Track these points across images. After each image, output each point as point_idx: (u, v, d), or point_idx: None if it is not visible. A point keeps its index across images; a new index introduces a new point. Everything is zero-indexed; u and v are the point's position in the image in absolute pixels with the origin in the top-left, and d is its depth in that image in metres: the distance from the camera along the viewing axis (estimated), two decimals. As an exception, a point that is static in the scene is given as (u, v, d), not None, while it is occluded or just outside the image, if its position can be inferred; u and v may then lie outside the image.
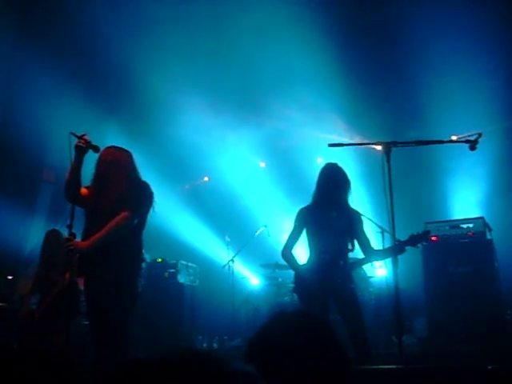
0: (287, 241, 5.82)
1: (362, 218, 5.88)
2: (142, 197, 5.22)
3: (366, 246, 5.71)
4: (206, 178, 12.97)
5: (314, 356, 1.76)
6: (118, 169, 5.23)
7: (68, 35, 10.05)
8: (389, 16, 9.75)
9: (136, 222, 5.12)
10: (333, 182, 5.68)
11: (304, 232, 5.82)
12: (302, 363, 1.70)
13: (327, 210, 5.68)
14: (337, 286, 5.52)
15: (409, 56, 9.85)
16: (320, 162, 12.02)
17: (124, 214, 5.01)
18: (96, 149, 5.13)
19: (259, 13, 9.45)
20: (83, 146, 5.06)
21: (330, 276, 5.52)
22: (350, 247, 5.71)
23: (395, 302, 4.76)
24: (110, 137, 7.09)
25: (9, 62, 10.56)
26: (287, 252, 5.78)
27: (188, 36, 9.64)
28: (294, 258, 5.79)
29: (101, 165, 5.28)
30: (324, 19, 9.27)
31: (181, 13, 9.47)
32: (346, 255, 5.70)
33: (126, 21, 9.55)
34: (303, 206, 5.87)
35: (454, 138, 8.26)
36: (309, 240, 5.80)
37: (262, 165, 12.70)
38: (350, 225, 5.69)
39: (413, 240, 5.30)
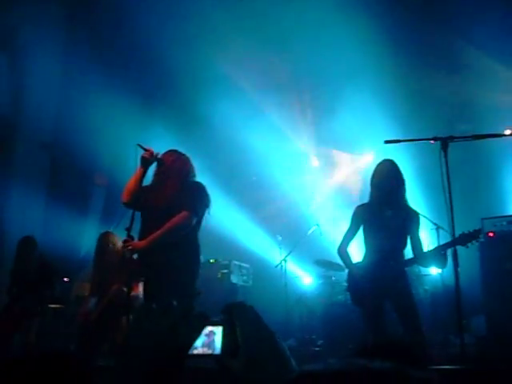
0: (343, 238, 5.86)
1: (420, 217, 5.80)
2: (199, 197, 5.32)
3: (416, 247, 5.64)
4: (254, 178, 12.97)
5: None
6: (176, 172, 5.36)
7: (119, 38, 10.15)
8: (439, 7, 9.58)
9: (195, 222, 5.19)
10: (388, 179, 5.64)
11: (361, 230, 5.81)
12: None
13: (383, 208, 5.65)
14: (390, 285, 5.47)
15: (459, 46, 9.66)
16: (371, 161, 11.98)
17: (183, 214, 5.10)
18: (160, 162, 5.30)
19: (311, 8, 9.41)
20: (148, 158, 5.22)
21: (383, 275, 5.48)
22: (404, 246, 5.66)
23: (456, 300, 4.66)
24: (162, 141, 7.13)
25: (61, 66, 10.74)
26: (343, 250, 5.82)
27: (240, 31, 9.62)
28: (348, 256, 5.82)
29: (162, 168, 5.41)
30: (373, 14, 9.16)
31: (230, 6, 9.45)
32: (400, 255, 5.65)
33: (176, 19, 9.59)
34: (359, 204, 5.90)
35: (507, 131, 8.11)
36: (364, 238, 5.79)
37: (315, 163, 12.63)
38: (405, 224, 5.62)
39: (463, 239, 5.19)
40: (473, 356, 7.03)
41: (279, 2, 9.48)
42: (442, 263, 5.40)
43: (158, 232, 5.04)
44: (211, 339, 1.46)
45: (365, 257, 5.79)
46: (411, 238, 5.65)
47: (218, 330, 1.39)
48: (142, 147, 5.27)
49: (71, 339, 7.96)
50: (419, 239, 5.69)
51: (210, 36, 9.73)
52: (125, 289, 6.64)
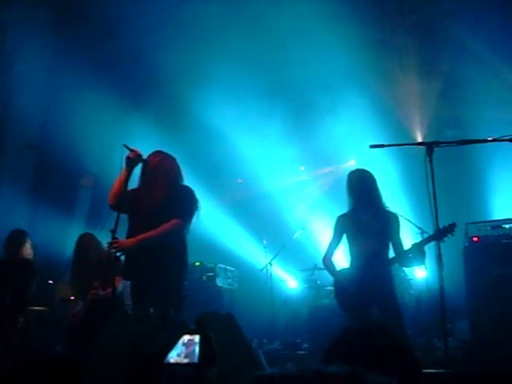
0: (327, 248, 6.06)
1: (399, 219, 5.95)
2: (190, 203, 5.31)
3: (397, 248, 5.79)
4: (239, 180, 12.96)
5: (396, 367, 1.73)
6: (163, 173, 5.34)
7: (105, 39, 10.14)
8: (426, 13, 9.65)
9: (185, 231, 5.19)
10: (362, 187, 5.83)
11: (344, 238, 5.98)
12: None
13: (361, 214, 5.81)
14: (375, 287, 5.58)
15: (446, 52, 9.73)
16: (352, 165, 12.03)
17: (177, 222, 5.09)
18: (146, 163, 5.27)
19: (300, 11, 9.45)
20: (134, 159, 5.20)
21: (367, 279, 5.61)
22: (386, 249, 5.80)
23: (440, 304, 4.70)
24: (148, 141, 7.12)
25: (47, 68, 10.72)
26: (327, 259, 6.02)
27: (228, 33, 9.63)
28: (333, 265, 6.01)
29: (147, 168, 5.39)
30: (358, 17, 9.21)
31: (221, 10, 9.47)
32: (382, 257, 5.76)
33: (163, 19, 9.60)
34: (340, 213, 6.03)
35: (490, 138, 8.18)
36: (348, 245, 5.95)
37: (302, 168, 12.66)
38: (385, 227, 5.76)
39: (439, 234, 5.30)
40: (457, 359, 7.08)
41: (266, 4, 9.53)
42: (421, 260, 5.55)
43: (149, 233, 5.03)
44: (191, 348, 1.47)
45: (350, 263, 5.92)
46: (392, 240, 5.79)
47: (196, 339, 1.40)
48: (127, 148, 5.25)
49: (56, 341, 7.92)
50: (400, 240, 5.83)
51: (199, 35, 9.74)
52: (100, 291, 6.65)
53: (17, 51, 10.27)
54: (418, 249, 5.50)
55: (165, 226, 5.05)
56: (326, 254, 6.03)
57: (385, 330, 1.89)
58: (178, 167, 5.53)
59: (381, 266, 5.68)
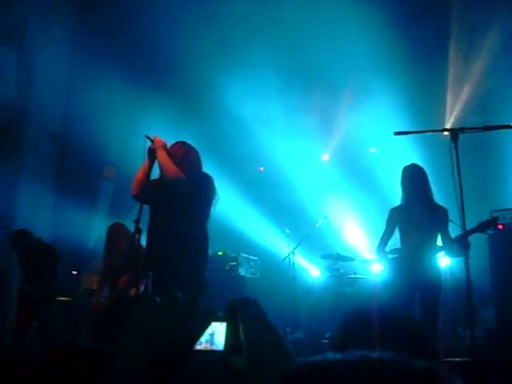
0: (381, 239, 6.45)
1: (447, 213, 6.20)
2: (204, 186, 5.30)
3: (445, 239, 6.10)
4: (261, 169, 12.93)
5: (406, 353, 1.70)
6: (186, 166, 5.30)
7: (127, 28, 10.14)
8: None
9: (184, 185, 5.15)
10: (414, 181, 6.20)
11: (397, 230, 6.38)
12: None
13: (412, 208, 6.18)
14: (420, 275, 5.91)
15: (465, 39, 9.61)
16: (373, 152, 11.96)
17: (183, 177, 5.12)
18: (168, 153, 5.27)
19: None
20: (155, 149, 5.20)
21: (415, 266, 5.95)
22: (434, 241, 6.14)
23: (467, 293, 4.65)
24: (170, 131, 7.10)
25: (68, 59, 10.76)
26: (380, 250, 6.43)
27: (253, 19, 9.57)
28: (386, 255, 6.43)
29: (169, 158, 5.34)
30: (383, 5, 9.12)
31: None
32: (430, 248, 6.09)
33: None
34: (392, 207, 6.44)
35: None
36: (400, 235, 6.35)
37: (326, 157, 12.61)
38: (434, 220, 6.08)
39: (481, 227, 5.58)
40: (482, 348, 7.01)
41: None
42: (465, 251, 5.63)
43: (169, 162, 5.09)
44: (218, 335, 1.46)
45: (401, 251, 6.32)
46: (440, 232, 6.12)
47: (222, 326, 1.38)
48: (149, 138, 5.25)
49: (79, 332, 7.99)
50: (447, 232, 6.11)
51: (222, 21, 9.68)
52: (129, 287, 6.66)
53: (37, 42, 10.32)
54: (462, 240, 5.64)
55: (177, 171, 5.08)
56: (380, 244, 6.42)
57: (400, 316, 1.86)
58: (200, 159, 5.52)
59: (428, 255, 6.02)
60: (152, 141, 5.23)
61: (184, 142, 5.53)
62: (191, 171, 5.34)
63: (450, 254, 6.30)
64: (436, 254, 6.17)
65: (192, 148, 5.52)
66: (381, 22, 9.06)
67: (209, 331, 1.33)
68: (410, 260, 6.00)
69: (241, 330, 1.39)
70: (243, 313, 1.44)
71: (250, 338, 1.38)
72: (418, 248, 6.01)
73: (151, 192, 5.28)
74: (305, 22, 9.69)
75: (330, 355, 1.00)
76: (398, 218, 6.28)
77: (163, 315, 1.22)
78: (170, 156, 5.33)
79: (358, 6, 8.90)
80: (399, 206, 6.34)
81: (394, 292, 6.02)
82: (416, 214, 6.12)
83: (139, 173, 5.35)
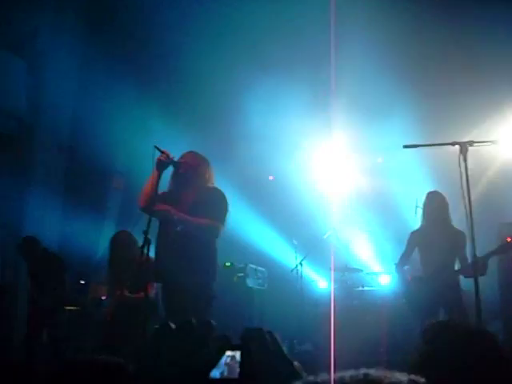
0: (400, 259, 6.89)
1: (465, 237, 6.47)
2: (223, 207, 5.29)
3: (462, 261, 6.51)
4: (270, 177, 12.90)
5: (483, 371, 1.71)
6: (195, 177, 5.29)
7: (136, 41, 10.20)
8: (455, 10, 9.53)
9: (219, 233, 5.19)
10: (435, 207, 6.66)
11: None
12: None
13: (432, 232, 6.62)
14: (442, 295, 6.32)
15: (471, 50, 9.61)
16: (380, 162, 11.95)
17: (216, 223, 5.09)
18: (177, 165, 5.23)
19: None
20: (164, 161, 5.16)
21: (436, 286, 6.34)
22: (452, 263, 6.55)
23: (475, 305, 4.64)
24: (179, 140, 7.11)
25: (78, 70, 10.81)
26: (399, 268, 6.88)
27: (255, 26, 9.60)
28: (404, 273, 6.88)
29: (179, 171, 5.37)
30: (388, 17, 9.12)
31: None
32: (450, 268, 6.49)
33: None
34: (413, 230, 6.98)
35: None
36: (420, 257, 6.83)
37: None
38: (452, 243, 6.50)
39: (502, 248, 6.08)
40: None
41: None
42: (483, 272, 5.86)
43: (192, 218, 5.05)
44: (233, 364, 1.45)
45: (423, 272, 6.71)
46: (458, 255, 6.53)
47: (237, 355, 1.38)
48: (158, 149, 5.19)
49: (87, 341, 7.99)
50: (465, 255, 6.48)
51: (229, 32, 9.73)
52: (127, 292, 6.65)
53: (47, 53, 10.38)
54: (481, 262, 5.73)
55: (207, 221, 5.06)
56: (399, 263, 6.87)
57: (489, 336, 1.87)
58: (210, 170, 5.50)
59: (448, 275, 6.39)
60: (161, 152, 5.19)
61: (193, 153, 5.51)
62: (203, 183, 5.33)
63: (468, 275, 6.42)
64: (456, 276, 6.53)
65: (201, 158, 5.51)
66: (389, 32, 9.08)
67: (224, 359, 1.33)
68: (433, 280, 6.39)
69: (255, 359, 1.39)
70: (257, 342, 1.44)
71: (264, 368, 1.38)
72: (439, 269, 6.40)
73: (162, 204, 5.26)
74: (318, 34, 9.70)
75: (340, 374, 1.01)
76: (418, 241, 6.76)
77: (178, 343, 1.23)
78: (178, 168, 5.32)
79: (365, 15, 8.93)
80: (419, 228, 6.85)
81: (418, 306, 6.46)
82: (436, 238, 6.53)
83: (147, 185, 5.32)
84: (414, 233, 6.90)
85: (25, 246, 8.17)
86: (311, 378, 1.06)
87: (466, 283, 8.41)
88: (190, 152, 5.50)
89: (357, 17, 9.06)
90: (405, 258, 6.89)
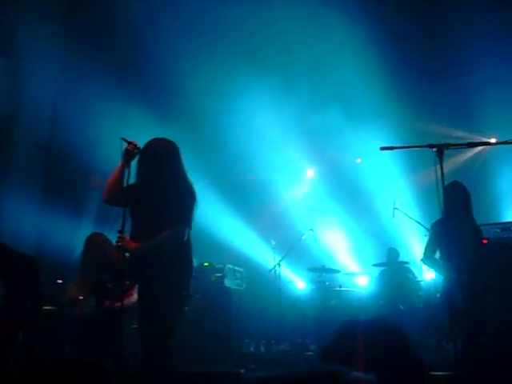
0: (426, 251, 6.71)
1: (480, 231, 6.61)
2: (190, 206, 5.16)
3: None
4: (250, 177, 12.93)
5: (392, 365, 1.73)
6: (161, 163, 5.13)
7: (114, 41, 10.16)
8: (432, 16, 9.64)
9: (187, 237, 5.10)
10: (458, 197, 6.47)
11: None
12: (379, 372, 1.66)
13: (454, 221, 6.34)
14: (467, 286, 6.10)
15: (454, 55, 9.71)
16: (359, 162, 12.03)
17: (179, 230, 4.98)
18: (141, 153, 5.15)
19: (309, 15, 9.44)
20: (132, 151, 5.08)
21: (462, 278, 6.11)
22: (473, 254, 6.37)
23: (449, 306, 4.69)
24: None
25: (56, 68, 10.74)
26: (428, 259, 6.70)
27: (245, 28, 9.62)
28: (436, 261, 6.64)
29: (143, 159, 5.20)
30: (367, 22, 9.18)
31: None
32: (471, 261, 6.29)
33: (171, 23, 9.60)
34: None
35: (493, 140, 8.35)
36: (440, 248, 6.55)
37: (310, 172, 12.67)
38: (471, 234, 6.44)
39: None
40: (464, 362, 7.04)
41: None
42: None
43: (153, 241, 4.93)
44: None
45: (447, 266, 6.37)
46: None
47: None
48: (125, 140, 5.09)
49: (64, 342, 7.94)
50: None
51: (214, 36, 9.74)
52: (116, 304, 6.63)
53: (26, 52, 10.30)
54: None
55: (167, 234, 4.93)
56: (426, 255, 6.69)
57: (389, 329, 1.90)
58: (177, 154, 5.27)
59: (471, 269, 6.21)
60: (128, 142, 5.09)
61: (157, 138, 5.29)
62: (164, 168, 5.16)
63: None
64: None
65: (166, 141, 5.28)
66: (365, 41, 9.16)
67: None
68: (459, 271, 6.14)
69: None
70: None
71: None
72: (462, 261, 6.18)
73: (130, 198, 5.12)
74: (299, 40, 9.75)
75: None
76: (440, 231, 6.45)
77: None
78: (141, 155, 5.18)
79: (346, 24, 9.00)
80: (441, 219, 6.40)
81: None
82: (458, 227, 6.32)
83: (112, 176, 5.20)
84: (436, 223, 6.64)
85: None
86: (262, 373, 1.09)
87: (439, 283, 8.54)
88: (155, 138, 5.29)
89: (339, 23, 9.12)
90: (430, 250, 6.66)
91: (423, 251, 6.77)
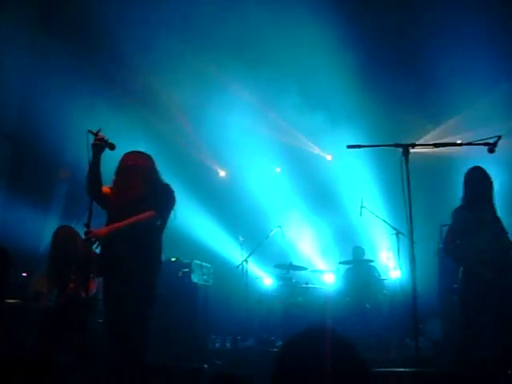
0: (451, 238, 6.07)
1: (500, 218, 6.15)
2: (166, 199, 5.24)
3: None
4: (222, 173, 12.94)
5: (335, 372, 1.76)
6: (138, 173, 5.21)
7: (82, 32, 10.07)
8: (404, 15, 9.72)
9: (159, 223, 5.13)
10: (482, 183, 6.09)
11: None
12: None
13: (480, 209, 6.01)
14: (499, 280, 5.75)
15: (425, 55, 9.80)
16: (329, 160, 12.09)
17: (149, 213, 5.03)
18: (112, 146, 5.14)
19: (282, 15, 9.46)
20: (99, 144, 5.08)
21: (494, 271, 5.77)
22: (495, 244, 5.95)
23: (412, 304, 4.73)
24: (124, 132, 7.02)
25: (25, 61, 10.62)
26: (449, 247, 6.12)
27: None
28: (458, 250, 6.02)
29: (121, 170, 5.30)
30: (338, 20, 9.22)
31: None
32: (503, 251, 5.94)
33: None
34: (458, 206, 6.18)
35: (459, 141, 8.37)
36: (463, 236, 6.01)
37: (278, 170, 12.70)
38: (494, 223, 6.04)
39: None
40: (427, 359, 7.15)
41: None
42: None
43: (121, 223, 4.97)
44: None
45: (468, 254, 5.96)
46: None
47: None
48: (92, 133, 5.09)
49: (27, 335, 7.87)
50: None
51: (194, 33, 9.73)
52: (81, 290, 6.61)
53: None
54: None
55: (138, 216, 4.99)
56: (447, 243, 6.14)
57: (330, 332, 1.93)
58: (154, 165, 5.40)
59: (503, 260, 5.89)
60: (95, 135, 5.10)
61: (134, 151, 5.42)
62: (145, 176, 5.26)
63: None
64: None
65: (143, 155, 5.40)
66: (336, 39, 9.23)
67: None
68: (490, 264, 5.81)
69: None
70: None
71: None
72: (494, 252, 5.86)
73: (106, 197, 5.22)
74: (272, 39, 9.77)
75: None
76: (467, 218, 6.03)
77: None
78: (118, 166, 5.28)
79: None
80: (465, 205, 6.16)
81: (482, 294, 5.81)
82: (485, 216, 6.02)
83: (87, 172, 5.24)
84: (457, 210, 6.18)
85: None
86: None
87: (405, 282, 8.64)
88: (132, 151, 5.39)
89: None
90: (456, 237, 6.04)
91: (444, 240, 6.34)
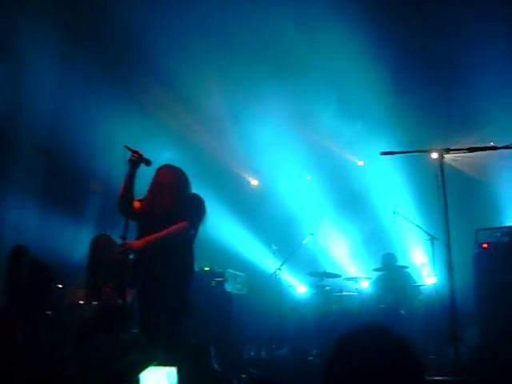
0: None
1: None
2: (198, 209, 5.28)
3: None
4: (254, 182, 12.93)
5: (392, 373, 1.71)
6: (171, 188, 5.29)
7: (116, 44, 10.16)
8: (436, 19, 9.63)
9: (192, 233, 5.16)
10: None
11: None
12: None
13: None
14: None
15: (459, 60, 9.71)
16: (361, 165, 12.01)
17: (183, 224, 5.08)
18: (148, 162, 5.22)
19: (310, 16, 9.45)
20: (135, 160, 5.15)
21: None
22: None
23: (451, 311, 4.67)
24: (158, 144, 7.08)
25: (57, 72, 10.74)
26: None
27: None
28: None
29: (155, 183, 5.40)
30: (370, 29, 9.18)
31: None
32: None
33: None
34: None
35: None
36: None
37: (308, 178, 12.67)
38: None
39: None
40: (465, 366, 7.03)
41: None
42: None
43: (156, 235, 5.02)
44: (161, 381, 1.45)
45: None
46: None
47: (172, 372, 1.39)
48: (129, 149, 5.20)
49: (63, 345, 7.92)
50: None
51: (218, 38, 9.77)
52: (117, 296, 6.63)
53: (25, 54, 10.30)
54: None
55: (171, 228, 5.03)
56: None
57: (385, 333, 1.88)
58: (186, 178, 5.49)
59: None
60: (132, 151, 5.18)
61: (168, 165, 5.50)
62: (177, 188, 5.32)
63: None
64: None
65: (177, 170, 5.49)
66: (368, 47, 9.17)
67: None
68: None
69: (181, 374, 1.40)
70: (184, 357, 1.46)
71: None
72: None
73: (138, 210, 5.26)
74: (299, 42, 9.76)
75: None
76: None
77: (106, 350, 1.25)
78: (153, 177, 5.36)
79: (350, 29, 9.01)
80: None
81: None
82: None
83: (121, 187, 5.31)
84: None
85: (14, 255, 8.06)
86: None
87: (440, 287, 8.53)
88: (166, 165, 5.51)
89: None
90: None
91: None
